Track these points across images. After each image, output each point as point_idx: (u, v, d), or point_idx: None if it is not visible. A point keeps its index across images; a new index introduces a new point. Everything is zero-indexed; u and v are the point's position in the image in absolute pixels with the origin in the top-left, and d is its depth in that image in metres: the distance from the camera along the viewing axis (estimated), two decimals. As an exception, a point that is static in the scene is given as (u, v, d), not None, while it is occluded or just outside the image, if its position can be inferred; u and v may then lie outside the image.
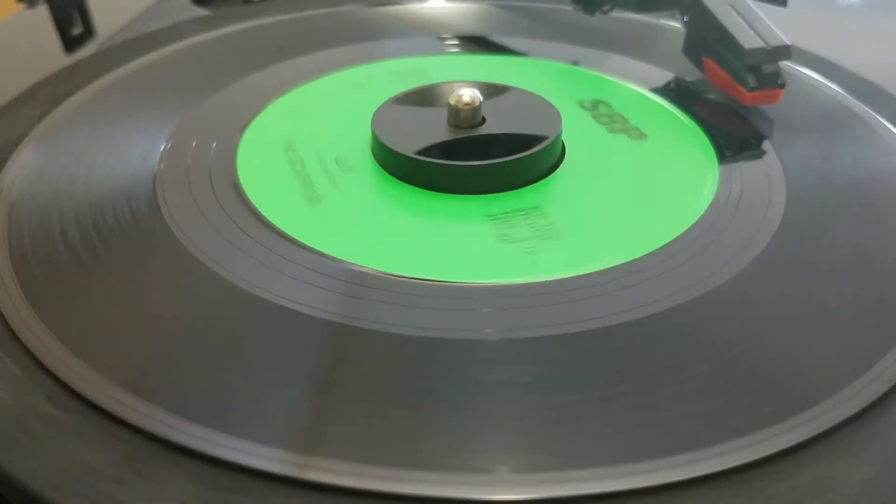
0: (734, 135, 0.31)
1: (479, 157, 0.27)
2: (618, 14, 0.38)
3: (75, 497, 0.18)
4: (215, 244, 0.25)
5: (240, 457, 0.18)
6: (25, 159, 0.29)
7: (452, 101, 0.29)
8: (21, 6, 0.43)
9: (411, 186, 0.28)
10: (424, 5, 0.42)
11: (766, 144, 0.30)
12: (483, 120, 0.29)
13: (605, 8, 0.38)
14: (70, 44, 0.40)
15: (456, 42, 0.38)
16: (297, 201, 0.27)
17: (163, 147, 0.30)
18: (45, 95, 0.33)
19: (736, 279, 0.23)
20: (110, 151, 0.29)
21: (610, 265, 0.24)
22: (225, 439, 0.19)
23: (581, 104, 0.33)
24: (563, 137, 0.29)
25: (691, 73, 0.34)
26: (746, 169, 0.29)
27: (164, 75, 0.35)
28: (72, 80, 0.35)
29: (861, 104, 0.33)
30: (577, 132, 0.30)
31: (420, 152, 0.28)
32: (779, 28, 0.31)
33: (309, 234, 0.25)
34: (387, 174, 0.28)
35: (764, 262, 0.24)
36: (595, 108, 0.33)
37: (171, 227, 0.26)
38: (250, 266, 0.24)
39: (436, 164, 0.27)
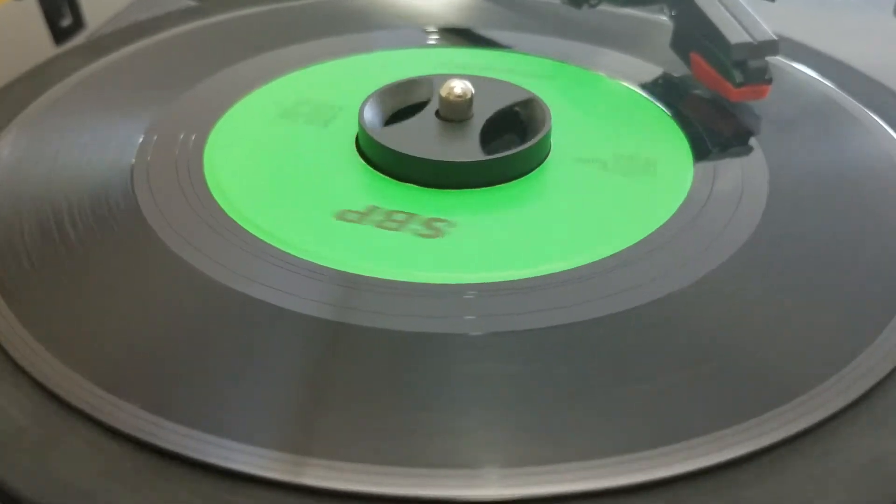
0: (719, 131, 0.31)
1: (469, 153, 0.28)
2: (605, 8, 0.38)
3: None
4: (192, 239, 0.25)
5: (222, 459, 0.18)
6: (3, 150, 0.29)
7: (444, 92, 0.29)
8: (9, -3, 0.43)
9: (397, 181, 0.28)
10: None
11: (751, 141, 0.30)
12: (472, 114, 0.29)
13: (592, 2, 0.38)
14: (59, 35, 0.40)
15: (443, 34, 0.38)
16: (280, 196, 0.27)
17: (140, 139, 0.29)
18: (24, 88, 0.33)
19: (715, 272, 0.24)
20: (87, 143, 0.29)
21: (592, 259, 0.24)
22: (208, 446, 0.18)
23: (572, 100, 0.33)
24: (553, 133, 0.29)
25: (679, 69, 0.35)
26: (729, 165, 0.29)
27: (145, 66, 0.35)
28: (51, 72, 0.34)
29: (850, 98, 0.33)
30: (566, 128, 0.30)
31: (408, 147, 0.28)
32: (767, 23, 0.31)
33: (291, 230, 0.25)
34: (372, 168, 0.28)
35: (743, 257, 0.24)
36: (586, 104, 0.33)
37: (147, 219, 0.25)
38: (229, 261, 0.24)
39: (424, 159, 0.27)
